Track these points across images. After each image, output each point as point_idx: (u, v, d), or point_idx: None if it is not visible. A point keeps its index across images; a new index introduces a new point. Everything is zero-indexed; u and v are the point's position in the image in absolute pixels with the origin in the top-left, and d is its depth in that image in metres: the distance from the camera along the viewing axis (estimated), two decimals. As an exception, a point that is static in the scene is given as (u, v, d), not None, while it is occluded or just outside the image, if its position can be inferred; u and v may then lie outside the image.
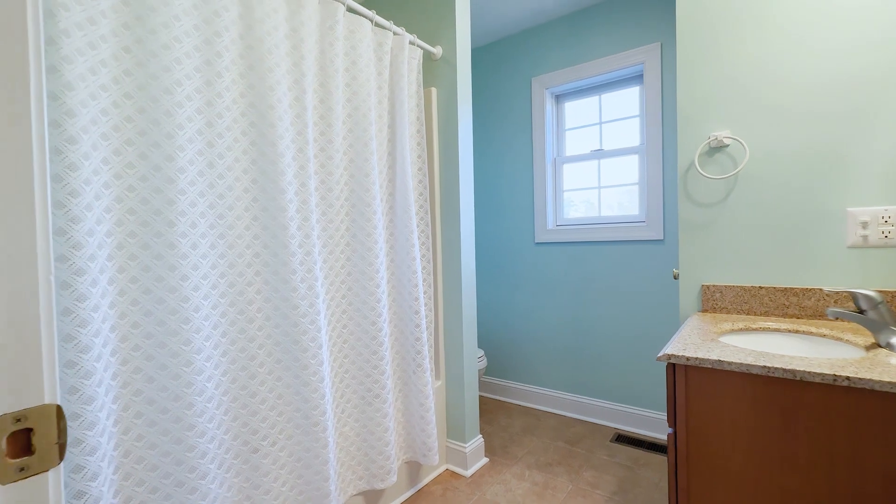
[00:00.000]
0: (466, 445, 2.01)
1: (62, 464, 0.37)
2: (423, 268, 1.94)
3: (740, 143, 1.39)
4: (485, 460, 2.11)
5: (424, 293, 1.94)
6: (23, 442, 0.36)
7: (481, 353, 2.61)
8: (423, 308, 1.80)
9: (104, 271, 0.95)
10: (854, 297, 1.05)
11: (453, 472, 2.02)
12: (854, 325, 1.19)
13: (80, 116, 0.90)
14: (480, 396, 3.02)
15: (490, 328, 3.01)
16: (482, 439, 2.13)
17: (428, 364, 1.80)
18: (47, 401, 0.37)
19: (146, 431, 1.04)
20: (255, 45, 1.24)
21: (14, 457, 0.35)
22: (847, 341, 1.09)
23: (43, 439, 0.36)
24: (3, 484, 0.34)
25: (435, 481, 1.95)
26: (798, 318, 1.30)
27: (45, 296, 0.37)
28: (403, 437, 1.82)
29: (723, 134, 1.41)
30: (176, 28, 1.07)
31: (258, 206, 1.27)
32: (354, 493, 1.58)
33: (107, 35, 0.96)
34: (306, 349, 1.32)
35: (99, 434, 0.91)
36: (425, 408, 1.78)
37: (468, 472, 1.99)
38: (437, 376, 2.05)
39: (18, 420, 0.35)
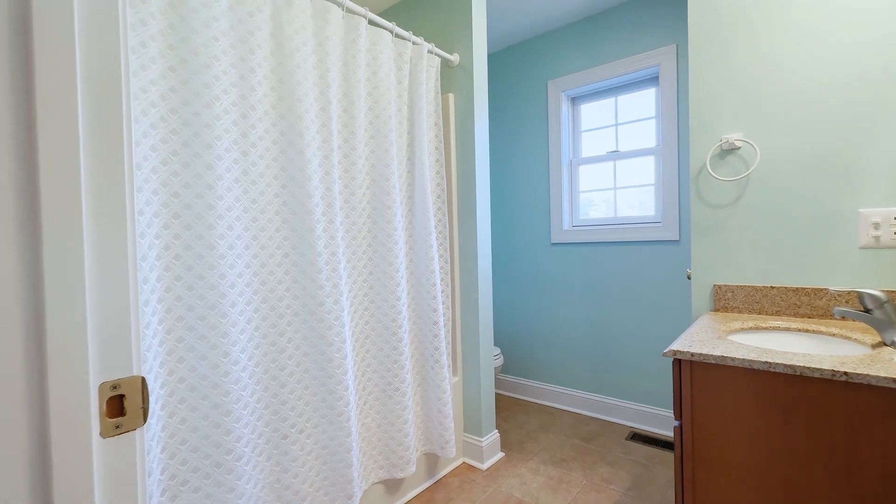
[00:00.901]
0: (483, 440, 2.07)
1: (145, 425, 0.46)
2: (441, 267, 2.01)
3: (751, 145, 1.41)
4: (501, 455, 2.17)
5: (442, 292, 2.02)
6: (117, 405, 0.44)
7: (497, 350, 2.67)
8: (440, 306, 1.87)
9: (153, 269, 1.06)
10: (860, 296, 1.07)
11: (470, 465, 2.08)
12: (864, 324, 1.21)
13: (133, 131, 1.01)
14: (497, 394, 3.08)
15: (507, 327, 3.07)
16: (498, 434, 2.19)
17: (445, 360, 1.88)
18: (135, 373, 0.46)
19: (189, 416, 1.14)
20: (284, 61, 1.34)
21: (111, 417, 0.44)
22: (855, 340, 1.11)
23: (132, 404, 0.45)
24: (104, 437, 0.43)
25: (452, 473, 2.02)
26: (810, 317, 1.32)
27: (133, 293, 0.46)
28: (422, 429, 1.89)
29: (734, 136, 1.44)
30: (215, 47, 1.17)
31: (287, 209, 1.37)
32: (376, 480, 1.67)
33: (155, 56, 1.07)
34: (331, 343, 1.41)
35: (149, 416, 1.01)
36: (443, 402, 1.85)
37: (484, 466, 2.05)
38: (455, 372, 2.12)
39: (114, 388, 0.44)
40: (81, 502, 0.41)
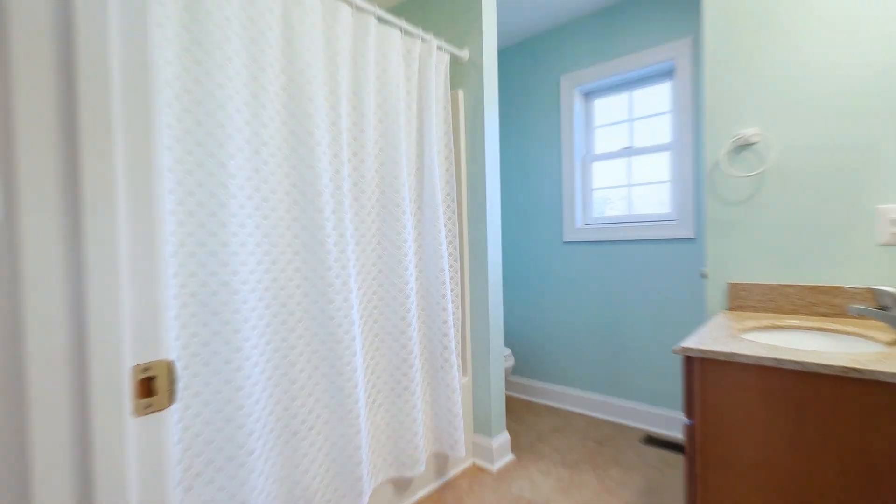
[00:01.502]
0: (493, 441, 2.11)
1: (173, 405, 0.51)
2: (451, 266, 2.06)
3: (767, 140, 1.43)
4: (511, 456, 2.21)
5: (451, 290, 2.06)
6: (147, 386, 0.50)
7: (508, 351, 2.71)
8: (450, 305, 1.91)
9: (169, 266, 1.12)
10: (877, 294, 1.09)
11: (480, 467, 2.12)
12: (881, 322, 1.22)
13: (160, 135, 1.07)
14: (508, 396, 3.11)
15: (518, 327, 3.10)
16: (508, 436, 2.22)
17: (455, 359, 1.92)
18: (164, 357, 0.51)
19: (202, 409, 1.20)
20: (294, 59, 1.40)
21: (142, 397, 0.49)
22: (871, 338, 1.12)
23: (161, 385, 0.50)
24: (136, 416, 0.48)
25: (462, 474, 2.06)
26: (827, 316, 1.33)
27: (162, 283, 0.51)
28: (431, 429, 1.94)
29: (750, 132, 1.45)
30: (227, 48, 1.23)
31: (298, 208, 1.43)
32: (385, 479, 1.72)
33: (171, 59, 1.13)
34: (341, 340, 1.47)
35: (166, 408, 1.07)
36: (452, 401, 1.90)
37: (494, 467, 2.09)
38: (464, 372, 2.17)
39: (145, 370, 0.49)
40: (117, 474, 0.46)
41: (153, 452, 0.50)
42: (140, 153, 0.50)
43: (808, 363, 0.91)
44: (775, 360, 0.95)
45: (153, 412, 0.50)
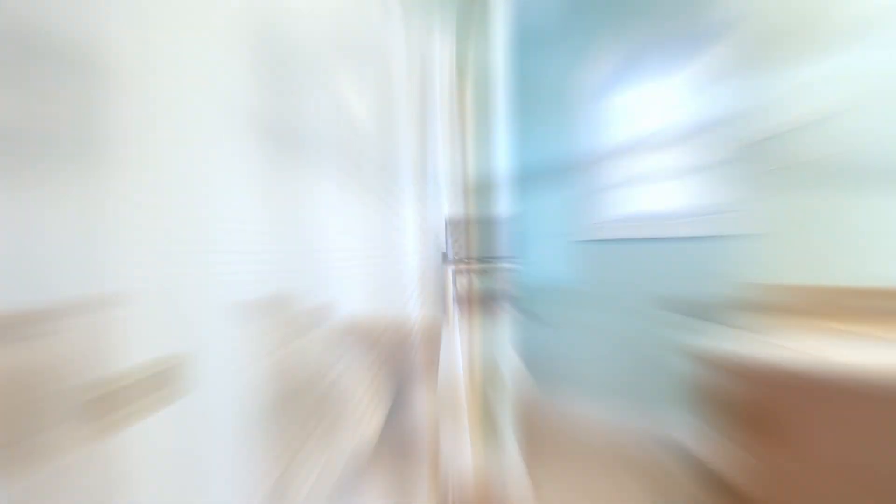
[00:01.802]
0: (500, 451, 2.05)
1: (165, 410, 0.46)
2: (456, 266, 2.01)
3: (832, 118, 1.30)
4: (522, 469, 2.15)
5: (456, 292, 2.01)
6: (139, 388, 0.44)
7: (517, 357, 2.64)
8: (455, 308, 1.86)
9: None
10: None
11: (487, 480, 2.07)
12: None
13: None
14: (517, 404, 3.05)
15: (530, 331, 3.03)
16: (517, 447, 2.17)
17: (460, 367, 1.87)
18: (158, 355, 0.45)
19: (183, 420, 1.15)
20: (285, 40, 1.35)
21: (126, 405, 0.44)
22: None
23: (154, 386, 0.45)
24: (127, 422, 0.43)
25: (466, 486, 2.01)
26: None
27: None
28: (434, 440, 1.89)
29: (809, 106, 1.31)
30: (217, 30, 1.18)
31: (291, 202, 1.37)
32: (383, 486, 1.67)
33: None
34: (336, 346, 1.42)
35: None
36: (458, 409, 1.84)
37: (503, 481, 2.03)
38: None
39: (139, 370, 0.44)
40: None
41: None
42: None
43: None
44: (871, 376, 0.85)
45: (146, 416, 0.44)
